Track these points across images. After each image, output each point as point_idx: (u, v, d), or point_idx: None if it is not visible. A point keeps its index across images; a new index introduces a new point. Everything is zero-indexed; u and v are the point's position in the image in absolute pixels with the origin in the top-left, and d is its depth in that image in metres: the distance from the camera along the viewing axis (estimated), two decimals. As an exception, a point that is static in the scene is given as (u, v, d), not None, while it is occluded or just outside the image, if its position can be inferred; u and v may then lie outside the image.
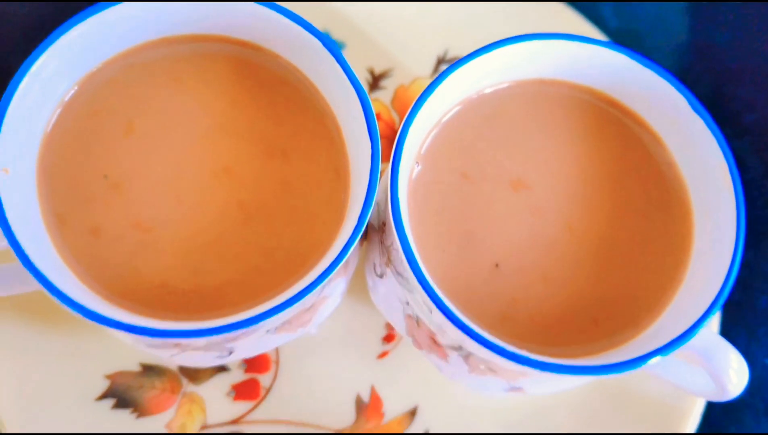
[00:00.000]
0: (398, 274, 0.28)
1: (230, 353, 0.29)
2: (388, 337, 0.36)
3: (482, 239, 0.27)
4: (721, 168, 0.27)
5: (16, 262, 0.24)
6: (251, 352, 0.29)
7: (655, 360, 0.25)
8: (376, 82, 0.39)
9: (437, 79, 0.26)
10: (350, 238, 0.25)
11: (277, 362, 0.35)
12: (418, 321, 0.29)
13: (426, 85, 0.26)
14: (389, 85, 0.39)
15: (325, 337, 0.36)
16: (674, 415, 0.35)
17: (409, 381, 0.36)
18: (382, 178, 0.31)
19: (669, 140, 0.29)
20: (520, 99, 0.29)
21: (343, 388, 0.35)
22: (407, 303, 0.28)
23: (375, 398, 0.35)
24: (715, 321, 0.36)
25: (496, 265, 0.27)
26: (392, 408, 0.35)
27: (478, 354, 0.26)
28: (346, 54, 0.34)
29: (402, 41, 0.39)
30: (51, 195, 0.26)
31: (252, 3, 0.26)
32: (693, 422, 0.35)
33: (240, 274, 0.26)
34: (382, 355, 0.36)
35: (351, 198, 0.27)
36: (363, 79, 0.38)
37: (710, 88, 0.39)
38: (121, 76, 0.27)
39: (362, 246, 0.32)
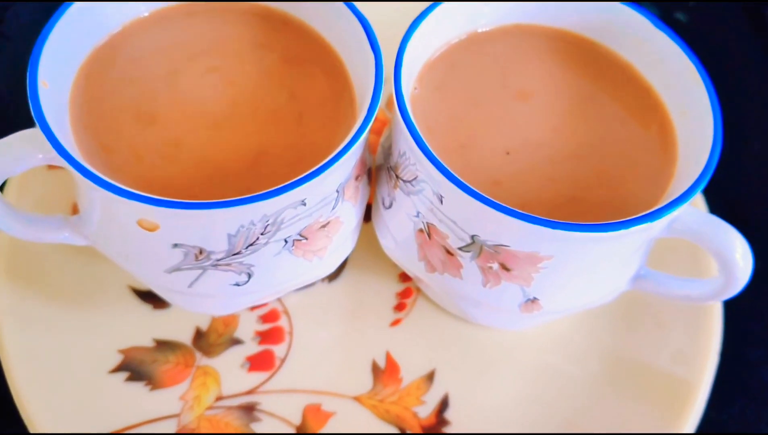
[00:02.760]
0: (406, 182, 0.29)
1: (249, 277, 0.29)
2: (400, 306, 0.37)
3: (488, 137, 0.30)
4: (688, 68, 0.30)
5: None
6: (269, 279, 0.30)
7: (646, 226, 0.26)
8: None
9: (427, 9, 0.30)
10: (359, 128, 0.27)
11: (291, 333, 0.35)
12: (429, 232, 0.30)
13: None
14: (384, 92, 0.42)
15: (337, 309, 0.36)
16: (686, 382, 0.35)
17: (424, 345, 0.36)
18: (385, 131, 0.34)
19: (639, 63, 0.32)
20: (506, 37, 0.33)
21: (358, 356, 0.35)
22: (416, 215, 0.30)
23: (391, 363, 0.35)
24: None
25: (507, 153, 0.29)
26: (410, 373, 0.35)
27: (491, 237, 0.27)
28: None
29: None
30: (82, 111, 0.28)
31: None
32: (704, 390, 0.34)
33: (263, 179, 0.28)
34: (395, 322, 0.36)
35: (359, 107, 0.29)
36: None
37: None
38: (164, 24, 0.31)
39: (372, 188, 0.33)
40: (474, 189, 0.26)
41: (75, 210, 0.36)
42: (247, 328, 0.35)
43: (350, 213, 0.31)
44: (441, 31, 0.31)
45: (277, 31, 0.32)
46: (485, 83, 0.32)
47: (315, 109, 0.30)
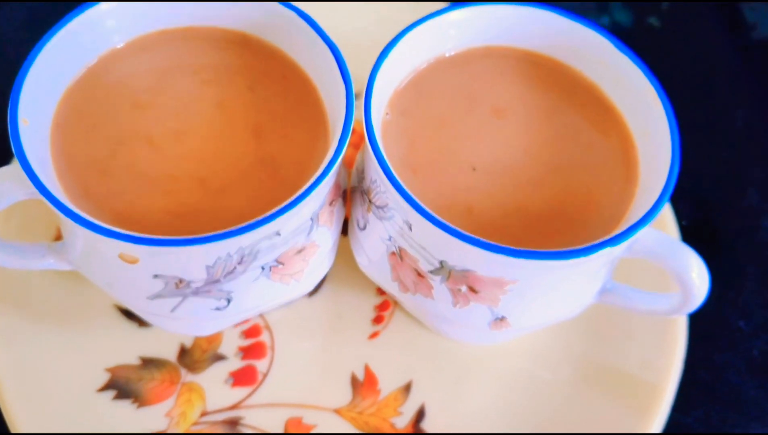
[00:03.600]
0: (378, 208, 0.30)
1: (228, 302, 0.30)
2: (378, 319, 0.38)
3: (460, 160, 0.31)
4: (649, 90, 0.31)
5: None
6: (248, 302, 0.31)
7: (606, 251, 0.27)
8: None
9: (398, 35, 0.31)
10: (330, 161, 0.28)
11: (272, 348, 0.37)
12: (401, 255, 0.31)
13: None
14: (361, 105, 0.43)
15: (316, 323, 0.38)
16: (652, 386, 0.36)
17: (401, 357, 0.37)
18: (360, 153, 0.35)
19: (603, 83, 0.33)
20: (476, 59, 0.34)
21: (337, 369, 0.36)
22: (389, 238, 0.31)
23: (370, 376, 0.36)
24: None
25: (474, 169, 0.30)
26: (387, 384, 0.36)
27: (458, 262, 0.29)
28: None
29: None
30: (62, 145, 0.29)
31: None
32: (669, 393, 0.36)
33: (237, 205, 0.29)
34: (373, 335, 0.37)
35: (332, 136, 0.30)
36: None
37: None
38: (139, 54, 0.32)
39: (347, 207, 0.35)
40: (440, 219, 0.27)
41: (59, 234, 0.37)
42: (230, 343, 0.36)
43: (326, 236, 0.32)
44: (411, 56, 0.32)
45: (250, 57, 0.33)
46: (456, 106, 0.33)
47: (290, 128, 0.31)
